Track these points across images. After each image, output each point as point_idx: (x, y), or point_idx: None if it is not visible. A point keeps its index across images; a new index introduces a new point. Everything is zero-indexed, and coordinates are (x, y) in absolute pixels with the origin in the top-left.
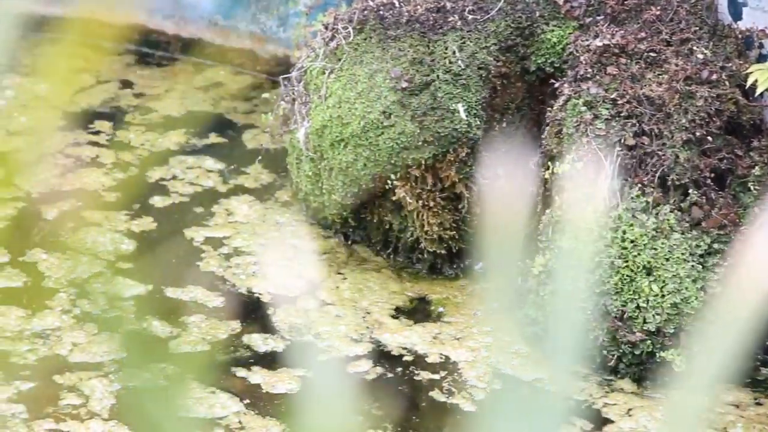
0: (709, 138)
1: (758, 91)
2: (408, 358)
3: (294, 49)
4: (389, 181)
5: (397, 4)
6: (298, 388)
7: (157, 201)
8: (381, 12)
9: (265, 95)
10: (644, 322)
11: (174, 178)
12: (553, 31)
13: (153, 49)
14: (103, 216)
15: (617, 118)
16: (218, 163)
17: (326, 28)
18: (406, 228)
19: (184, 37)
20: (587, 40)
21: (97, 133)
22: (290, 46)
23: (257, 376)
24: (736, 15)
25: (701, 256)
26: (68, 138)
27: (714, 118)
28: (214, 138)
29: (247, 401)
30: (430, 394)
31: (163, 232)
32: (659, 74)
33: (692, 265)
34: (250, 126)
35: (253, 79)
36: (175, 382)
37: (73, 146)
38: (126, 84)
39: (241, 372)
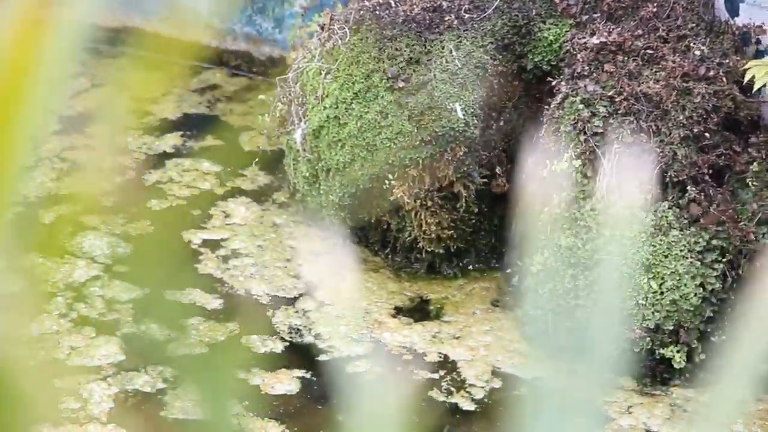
0: (707, 134)
1: (756, 87)
2: (408, 357)
3: (290, 50)
4: (387, 181)
5: (393, 4)
6: (298, 389)
7: (154, 204)
8: (377, 12)
9: (261, 97)
10: (643, 319)
11: (171, 180)
12: (549, 29)
13: (148, 51)
14: (100, 219)
15: (615, 116)
16: (215, 166)
17: (322, 28)
18: (404, 228)
19: (180, 40)
20: (584, 38)
21: (92, 137)
22: (286, 48)
23: (256, 377)
24: (733, 11)
25: (700, 252)
26: (64, 142)
27: (711, 115)
28: (210, 140)
29: (246, 403)
30: (429, 393)
31: (160, 236)
32: (656, 71)
33: (691, 262)
34: (246, 128)
35: (249, 81)
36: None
37: (70, 150)
38: (122, 86)
39: (240, 374)
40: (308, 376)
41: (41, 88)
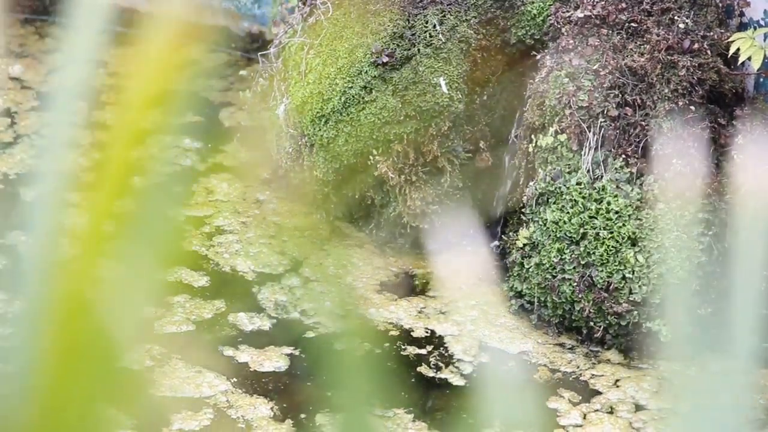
0: (692, 107)
1: (740, 59)
2: (394, 333)
3: (270, 25)
4: (371, 157)
5: None
6: (286, 366)
7: (136, 181)
8: None
9: (242, 73)
10: (630, 292)
11: (152, 157)
12: (533, 2)
13: (125, 27)
14: (81, 197)
15: (600, 89)
16: (195, 142)
17: (304, 3)
18: (388, 203)
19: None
20: (568, 11)
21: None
22: (265, 23)
23: (244, 354)
24: None
25: (686, 225)
26: (43, 119)
27: (696, 88)
28: (190, 117)
29: (235, 380)
30: (418, 369)
31: (143, 212)
32: (641, 44)
33: (677, 235)
34: (226, 104)
35: (228, 57)
36: None
37: (49, 127)
38: (99, 63)
39: (228, 351)
40: (296, 353)
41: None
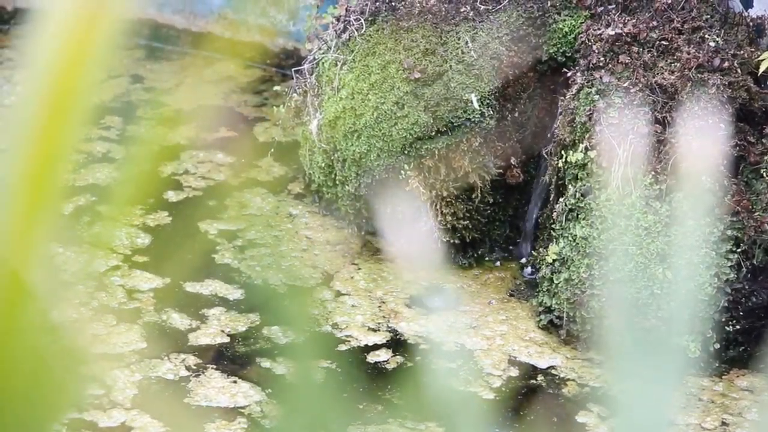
0: (722, 125)
1: None
2: (425, 346)
3: (304, 41)
4: (402, 172)
5: None
6: (322, 379)
7: (171, 195)
8: (393, 3)
9: (276, 88)
10: (658, 308)
11: (186, 172)
12: (564, 20)
13: (163, 43)
14: (118, 210)
15: (630, 107)
16: (229, 157)
17: (338, 20)
18: (419, 218)
19: (193, 31)
20: (599, 29)
21: (108, 128)
22: (300, 39)
23: (281, 366)
24: (747, 2)
25: (715, 242)
26: (80, 133)
27: (726, 106)
28: (224, 132)
29: (269, 391)
30: (448, 382)
31: (178, 226)
32: (671, 62)
33: (706, 252)
34: (261, 119)
35: (263, 73)
36: None
37: (84, 141)
38: (136, 78)
39: (265, 363)
40: (333, 366)
41: (88, 84)
